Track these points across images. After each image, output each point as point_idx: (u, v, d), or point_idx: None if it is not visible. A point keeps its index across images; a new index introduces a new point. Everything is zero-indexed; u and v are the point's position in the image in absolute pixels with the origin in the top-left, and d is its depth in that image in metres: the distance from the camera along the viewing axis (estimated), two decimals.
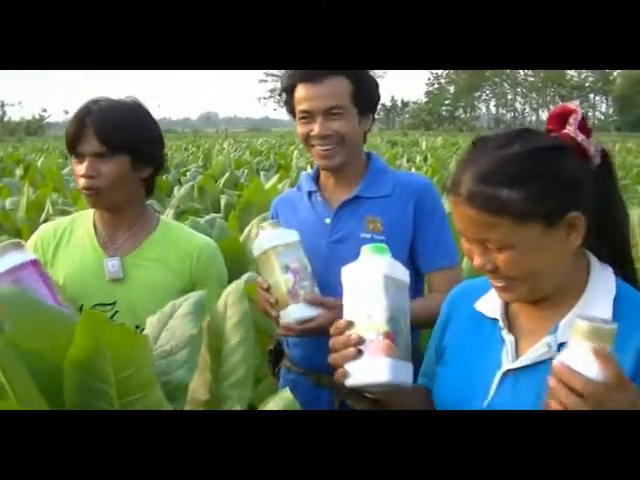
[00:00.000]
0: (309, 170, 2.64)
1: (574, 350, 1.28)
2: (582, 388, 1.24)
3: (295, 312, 2.21)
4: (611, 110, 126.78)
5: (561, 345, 1.48)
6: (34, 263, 1.92)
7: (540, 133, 1.53)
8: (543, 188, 1.42)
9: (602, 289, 1.53)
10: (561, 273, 1.53)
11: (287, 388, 1.29)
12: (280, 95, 2.46)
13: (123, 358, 1.47)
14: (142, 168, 2.40)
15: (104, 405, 1.50)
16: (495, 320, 1.62)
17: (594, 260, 1.57)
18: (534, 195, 1.41)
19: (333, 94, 2.31)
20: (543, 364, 1.49)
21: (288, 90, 2.40)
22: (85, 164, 2.29)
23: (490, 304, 1.65)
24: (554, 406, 1.29)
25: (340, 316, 2.16)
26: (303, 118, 2.38)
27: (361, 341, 1.55)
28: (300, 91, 2.36)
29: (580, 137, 1.50)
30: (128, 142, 2.32)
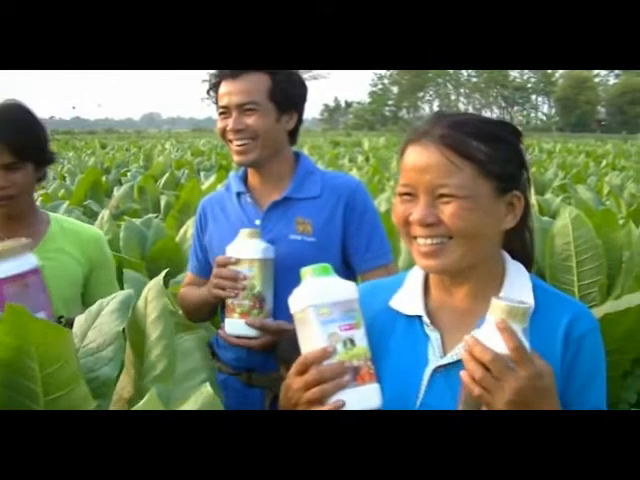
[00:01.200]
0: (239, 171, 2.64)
1: (485, 326, 1.35)
2: (485, 359, 1.31)
3: (234, 327, 2.25)
4: (553, 111, 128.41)
5: None
6: (39, 269, 1.99)
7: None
8: (505, 154, 1.51)
9: (520, 281, 1.58)
10: (490, 249, 1.57)
11: (207, 383, 1.28)
12: (208, 93, 2.48)
13: (48, 353, 1.48)
14: (41, 171, 2.48)
15: (29, 403, 1.52)
16: (414, 317, 1.62)
17: (507, 255, 1.62)
18: (497, 155, 1.49)
19: (248, 90, 2.34)
20: None
21: (215, 87, 2.44)
22: None
23: (408, 301, 1.65)
24: (465, 378, 1.35)
25: (282, 338, 2.19)
26: (222, 114, 2.41)
27: (350, 368, 1.48)
28: (222, 87, 2.39)
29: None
30: (35, 149, 2.40)
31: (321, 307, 1.50)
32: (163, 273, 1.76)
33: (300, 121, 2.52)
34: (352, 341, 1.49)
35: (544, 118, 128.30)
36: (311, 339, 1.51)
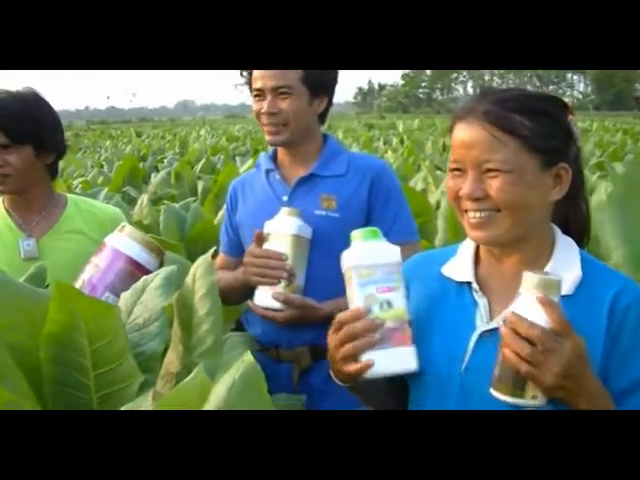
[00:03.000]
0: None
1: (523, 300, 1.39)
2: (529, 333, 1.35)
3: (262, 298, 2.30)
4: (589, 89, 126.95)
5: None
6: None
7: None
8: (549, 127, 1.54)
9: (569, 253, 1.61)
10: (538, 220, 1.60)
11: (249, 351, 1.31)
12: (242, 74, 2.52)
13: (97, 329, 1.53)
14: (45, 155, 2.53)
15: (80, 377, 1.57)
16: (464, 284, 1.66)
17: (557, 229, 1.66)
18: (541, 130, 1.52)
19: (283, 74, 2.38)
20: None
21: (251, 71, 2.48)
22: (5, 161, 2.41)
23: (458, 268, 1.70)
24: (508, 354, 1.39)
25: (305, 317, 2.23)
26: (256, 96, 2.46)
27: (384, 328, 1.52)
28: (256, 70, 2.44)
29: (569, 117, 1.62)
30: (31, 133, 2.45)
31: (361, 268, 1.54)
32: (211, 251, 1.80)
33: (330, 104, 2.57)
34: (389, 303, 1.53)
35: (580, 96, 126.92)
36: (351, 298, 1.56)
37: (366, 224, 2.44)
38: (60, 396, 1.57)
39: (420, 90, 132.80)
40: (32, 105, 2.49)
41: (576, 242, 1.65)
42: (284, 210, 2.30)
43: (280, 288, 2.27)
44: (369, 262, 1.55)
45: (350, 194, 2.45)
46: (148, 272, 1.99)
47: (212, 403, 1.23)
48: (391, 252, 1.59)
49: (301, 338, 2.39)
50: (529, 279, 1.38)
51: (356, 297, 1.55)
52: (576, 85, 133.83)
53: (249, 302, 2.35)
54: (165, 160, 13.44)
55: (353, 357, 1.52)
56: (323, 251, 2.33)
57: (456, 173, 1.58)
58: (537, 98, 1.57)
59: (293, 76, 2.38)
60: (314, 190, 2.47)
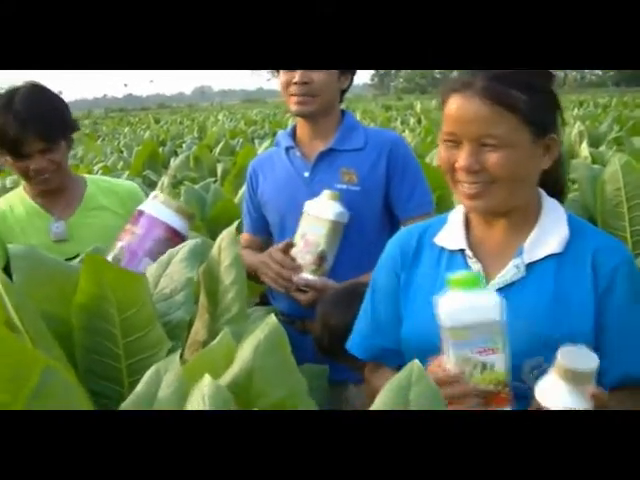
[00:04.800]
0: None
1: (564, 392, 1.34)
2: None
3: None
4: None
5: (528, 266, 1.61)
6: (183, 240, 2.09)
7: None
8: (541, 100, 1.59)
9: (555, 213, 1.68)
10: (529, 188, 1.66)
11: (272, 314, 1.35)
12: None
13: (125, 298, 1.60)
14: (71, 144, 2.63)
15: (110, 345, 1.63)
16: (457, 251, 1.71)
17: (542, 191, 1.71)
18: (535, 103, 1.56)
19: None
20: (514, 285, 1.61)
21: None
22: (35, 161, 2.47)
23: (451, 237, 1.74)
24: None
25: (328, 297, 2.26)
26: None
27: (481, 392, 1.46)
28: None
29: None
30: (63, 129, 2.54)
31: (458, 330, 1.43)
32: (236, 223, 1.86)
33: (351, 82, 2.63)
34: (491, 366, 1.44)
35: (599, 73, 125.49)
36: (446, 357, 1.48)
37: (385, 196, 2.50)
38: (92, 364, 1.63)
39: (437, 70, 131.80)
40: (52, 101, 2.56)
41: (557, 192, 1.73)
42: (326, 193, 2.34)
43: (309, 270, 2.32)
44: (467, 322, 1.42)
45: (369, 167, 2.50)
46: (182, 237, 2.10)
47: (238, 364, 1.29)
48: (492, 308, 1.43)
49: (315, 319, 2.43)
50: (566, 371, 1.33)
51: (450, 358, 1.46)
52: None
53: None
54: (184, 145, 13.48)
55: None
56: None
57: (450, 144, 1.61)
58: (530, 73, 1.59)
59: None
60: (334, 164, 2.53)
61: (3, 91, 2.53)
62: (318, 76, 2.44)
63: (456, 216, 1.75)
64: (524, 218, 1.66)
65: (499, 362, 1.44)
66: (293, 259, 2.36)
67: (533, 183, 1.66)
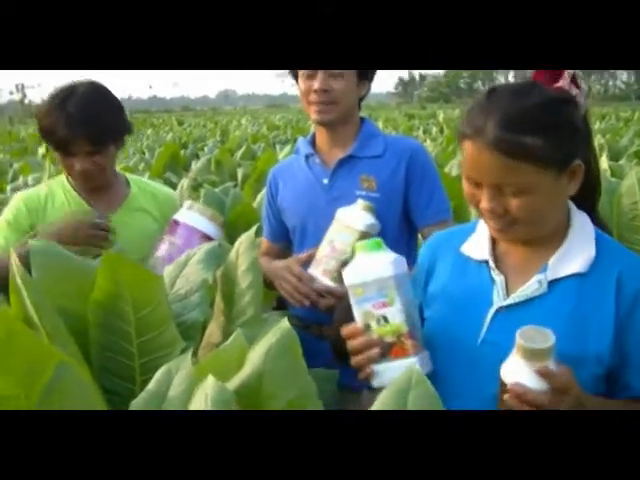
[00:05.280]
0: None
1: (521, 368, 1.42)
2: (537, 402, 1.40)
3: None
4: (632, 79, 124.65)
5: (550, 283, 1.60)
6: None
7: (545, 85, 1.60)
8: (560, 136, 1.52)
9: (584, 231, 1.65)
10: (557, 216, 1.63)
11: (285, 319, 1.38)
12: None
13: (141, 297, 1.61)
14: (121, 146, 2.64)
15: (124, 344, 1.65)
16: (482, 262, 1.70)
17: (572, 204, 1.68)
18: (553, 143, 1.50)
19: None
20: (534, 300, 1.60)
21: None
22: (81, 161, 2.48)
23: (477, 247, 1.74)
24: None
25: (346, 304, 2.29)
26: (306, 76, 2.50)
27: (382, 343, 1.61)
28: None
29: (575, 91, 1.62)
30: (112, 132, 2.53)
31: (356, 287, 1.61)
32: (254, 228, 1.87)
33: (369, 89, 2.63)
34: (385, 318, 1.59)
35: (623, 87, 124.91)
36: (353, 315, 1.63)
37: (404, 203, 2.51)
38: (106, 361, 1.65)
39: (462, 80, 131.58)
40: (110, 104, 2.57)
41: (588, 214, 1.68)
42: (360, 203, 2.33)
43: (331, 277, 2.33)
44: (362, 280, 1.61)
45: (388, 174, 2.51)
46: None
47: (249, 366, 1.31)
48: (383, 266, 1.62)
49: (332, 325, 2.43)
50: (523, 350, 1.41)
51: (355, 314, 1.63)
52: (618, 75, 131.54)
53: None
54: (206, 148, 13.53)
55: (359, 368, 1.63)
56: None
57: (472, 183, 1.58)
58: (546, 105, 1.53)
59: None
60: (353, 171, 2.53)
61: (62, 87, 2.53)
62: (338, 84, 2.44)
63: (484, 226, 1.73)
64: (551, 234, 1.64)
65: (395, 314, 1.59)
66: (318, 263, 2.35)
67: (560, 210, 1.64)
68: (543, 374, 1.40)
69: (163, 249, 2.24)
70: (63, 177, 2.68)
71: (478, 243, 1.74)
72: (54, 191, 2.65)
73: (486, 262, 1.69)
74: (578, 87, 1.62)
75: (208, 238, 2.19)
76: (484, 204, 1.55)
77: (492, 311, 1.63)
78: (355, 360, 1.63)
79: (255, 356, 1.31)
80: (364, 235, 2.32)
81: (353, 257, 2.31)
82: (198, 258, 1.83)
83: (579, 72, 1.64)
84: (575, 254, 1.61)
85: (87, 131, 2.43)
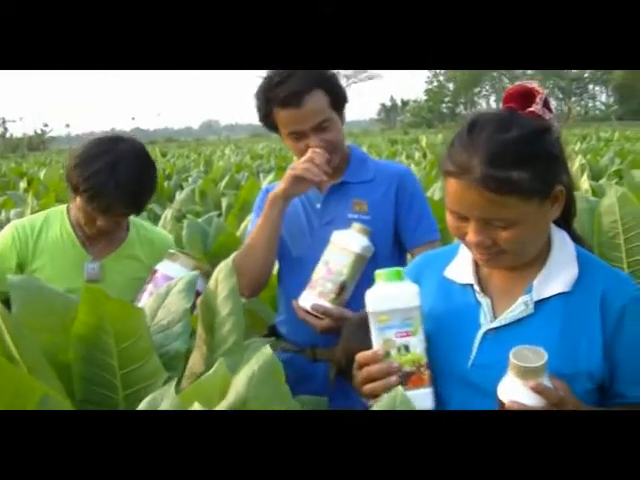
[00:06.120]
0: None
1: (516, 386, 1.45)
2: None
3: (308, 302, 2.35)
4: (612, 100, 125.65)
5: (536, 303, 1.62)
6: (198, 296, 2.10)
7: (522, 115, 1.61)
8: (543, 166, 1.53)
9: (565, 250, 1.67)
10: (542, 241, 1.65)
11: (267, 345, 1.37)
12: (263, 121, 2.57)
13: (123, 330, 1.62)
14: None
15: (107, 375, 1.65)
16: (467, 285, 1.72)
17: (552, 226, 1.70)
18: (537, 173, 1.51)
19: (317, 111, 2.44)
20: (521, 322, 1.62)
21: (267, 114, 2.53)
22: (107, 221, 2.50)
23: (460, 271, 1.75)
24: None
25: (347, 328, 2.27)
26: (294, 136, 2.50)
27: (401, 371, 1.61)
28: (283, 115, 2.47)
29: (548, 115, 1.63)
30: (146, 203, 2.58)
31: (380, 314, 1.61)
32: (233, 255, 1.88)
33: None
34: (407, 347, 1.60)
35: (603, 107, 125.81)
36: (372, 341, 1.63)
37: (394, 225, 2.53)
38: (89, 394, 1.65)
39: (444, 105, 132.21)
40: (151, 175, 2.59)
41: (566, 231, 1.71)
42: (355, 226, 2.35)
43: (328, 299, 2.32)
44: (387, 307, 1.61)
45: (379, 198, 2.56)
46: (199, 294, 2.05)
47: (232, 394, 1.31)
48: (410, 296, 1.63)
49: (338, 337, 2.43)
50: (517, 369, 1.43)
51: (375, 340, 1.63)
52: (598, 96, 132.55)
53: (294, 301, 2.39)
54: (190, 178, 13.53)
55: (374, 396, 1.61)
56: None
57: (457, 216, 1.58)
58: (528, 138, 1.54)
59: (325, 106, 2.46)
60: (345, 195, 2.57)
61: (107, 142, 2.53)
62: (331, 135, 2.47)
63: (466, 249, 1.74)
64: (535, 256, 1.66)
65: (417, 344, 1.61)
66: (313, 285, 2.36)
67: (545, 234, 1.66)
68: (537, 391, 1.42)
69: (144, 300, 2.23)
70: (64, 209, 2.67)
71: (461, 267, 1.75)
72: (50, 222, 2.63)
73: (471, 285, 1.71)
74: (550, 110, 1.64)
75: None
76: (472, 238, 1.56)
77: (480, 334, 1.65)
78: (370, 387, 1.62)
79: (238, 383, 1.31)
80: (360, 257, 2.34)
81: (352, 280, 2.34)
82: (179, 288, 1.84)
83: (552, 97, 1.66)
84: (558, 273, 1.63)
85: (130, 201, 2.46)
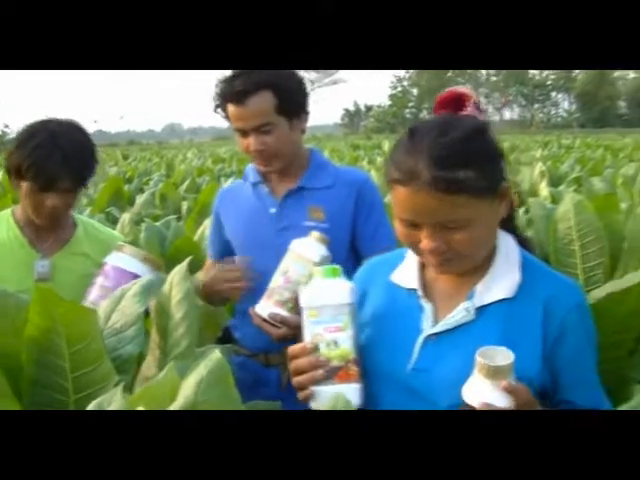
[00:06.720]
0: None
1: (484, 386, 1.45)
2: None
3: (265, 310, 2.33)
4: (574, 107, 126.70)
5: (478, 309, 1.63)
6: None
7: (459, 116, 1.65)
8: (487, 164, 1.56)
9: (509, 255, 1.69)
10: (492, 242, 1.68)
11: (216, 350, 1.38)
12: (215, 111, 2.57)
13: (75, 332, 1.61)
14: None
15: (58, 379, 1.64)
16: (411, 290, 1.73)
17: (498, 230, 1.72)
18: (483, 171, 1.53)
19: (259, 112, 2.45)
20: (462, 327, 1.64)
21: (221, 107, 2.55)
22: (55, 198, 2.46)
23: (406, 275, 1.76)
24: None
25: (299, 336, 2.30)
26: (239, 133, 2.53)
27: (328, 366, 1.63)
28: (230, 110, 2.50)
29: (481, 116, 1.67)
30: (90, 176, 2.54)
31: (311, 309, 1.66)
32: (187, 260, 1.88)
33: (307, 114, 2.64)
34: (335, 342, 1.63)
35: (565, 115, 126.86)
36: (303, 335, 1.68)
37: (351, 234, 2.54)
38: (39, 397, 1.63)
39: (407, 110, 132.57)
40: (91, 145, 2.56)
41: (512, 234, 1.74)
42: (314, 235, 2.34)
43: (286, 308, 2.32)
44: (318, 303, 1.66)
45: (337, 205, 2.55)
46: None
47: (181, 398, 1.31)
48: (341, 293, 1.67)
49: (290, 342, 2.43)
50: (487, 369, 1.43)
51: (305, 334, 1.67)
52: (561, 103, 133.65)
53: (251, 309, 2.38)
54: (151, 182, 13.47)
55: (301, 388, 1.64)
56: None
57: (408, 224, 1.59)
58: (469, 138, 1.55)
59: (269, 110, 2.45)
60: (301, 201, 2.57)
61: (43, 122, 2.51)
62: (271, 138, 2.47)
63: (412, 254, 1.76)
64: (480, 262, 1.67)
65: (346, 340, 1.64)
66: (270, 294, 2.36)
67: (494, 236, 1.68)
68: (510, 390, 1.43)
69: (94, 293, 2.22)
70: (9, 212, 2.65)
71: (407, 271, 1.77)
72: None
73: (415, 290, 1.72)
74: (482, 112, 1.68)
75: None
76: (426, 244, 1.57)
77: (421, 339, 1.66)
78: (298, 379, 1.64)
79: (187, 388, 1.31)
80: (318, 266, 2.34)
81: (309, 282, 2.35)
82: (133, 292, 1.83)
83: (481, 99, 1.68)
84: (501, 279, 1.65)
85: (77, 170, 2.44)
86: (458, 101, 1.67)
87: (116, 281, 2.17)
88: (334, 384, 1.62)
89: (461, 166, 1.50)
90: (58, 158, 2.39)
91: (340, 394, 1.32)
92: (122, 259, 2.24)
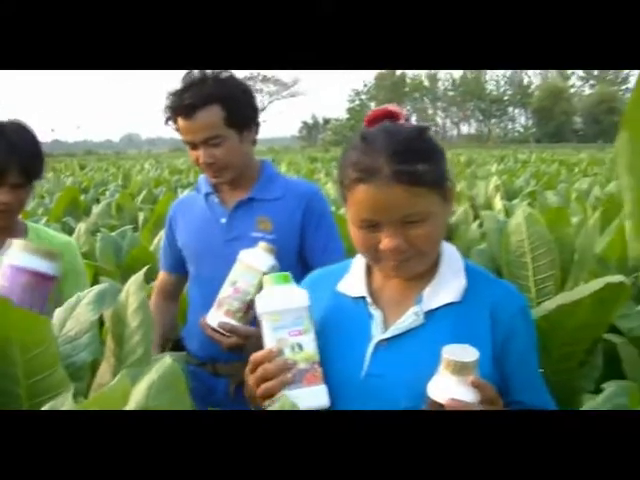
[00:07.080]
0: None
1: (449, 381, 1.47)
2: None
3: (214, 320, 2.33)
4: (530, 122, 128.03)
5: (427, 314, 1.67)
6: (54, 280, 2.06)
7: (400, 123, 1.70)
8: (436, 160, 1.61)
9: (452, 261, 1.75)
10: (441, 243, 1.72)
11: (167, 356, 1.40)
12: (167, 123, 2.60)
13: (29, 339, 1.61)
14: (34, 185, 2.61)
15: (11, 386, 1.64)
16: (359, 298, 1.76)
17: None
18: (435, 166, 1.59)
19: (207, 126, 2.48)
20: (412, 332, 1.67)
21: (172, 119, 2.57)
22: (4, 193, 2.44)
23: (352, 284, 1.80)
24: None
25: (252, 345, 2.30)
26: (189, 145, 2.56)
27: (296, 368, 1.64)
28: (180, 123, 2.53)
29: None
30: (39, 170, 2.54)
31: (273, 314, 1.68)
32: (144, 269, 1.90)
33: (258, 125, 2.68)
34: (300, 345, 1.65)
35: (522, 130, 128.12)
36: (265, 342, 1.68)
37: (300, 245, 2.57)
38: None
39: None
40: (37, 141, 2.55)
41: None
42: (261, 245, 2.35)
43: (235, 317, 2.32)
44: (279, 308, 1.68)
45: (286, 217, 2.58)
46: (52, 277, 2.05)
47: (132, 403, 1.33)
48: (300, 297, 1.71)
49: (237, 354, 2.45)
50: (453, 365, 1.46)
51: (268, 340, 1.67)
52: (517, 118, 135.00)
53: (201, 319, 2.38)
54: (107, 192, 13.43)
55: (269, 395, 1.64)
56: None
57: (368, 228, 1.62)
58: (418, 135, 1.62)
59: (218, 123, 2.49)
60: (251, 213, 2.60)
61: None
62: (220, 151, 2.50)
63: (358, 263, 1.81)
64: (427, 267, 1.71)
65: (309, 342, 1.66)
66: (220, 304, 2.37)
67: (444, 234, 1.72)
68: (477, 385, 1.46)
69: None
70: None
71: (354, 280, 1.80)
72: None
73: (363, 298, 1.75)
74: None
75: (37, 274, 2.06)
76: (387, 243, 1.60)
77: (372, 345, 1.69)
78: (266, 385, 1.63)
79: (138, 393, 1.32)
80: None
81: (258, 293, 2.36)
82: (88, 300, 1.85)
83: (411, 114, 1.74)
84: (447, 284, 1.69)
85: (24, 161, 2.42)
86: (391, 117, 1.73)
87: (11, 279, 2.08)
88: (304, 387, 1.63)
89: (418, 160, 1.56)
90: (4, 148, 2.39)
91: (287, 399, 1.33)
92: (15, 256, 2.13)
